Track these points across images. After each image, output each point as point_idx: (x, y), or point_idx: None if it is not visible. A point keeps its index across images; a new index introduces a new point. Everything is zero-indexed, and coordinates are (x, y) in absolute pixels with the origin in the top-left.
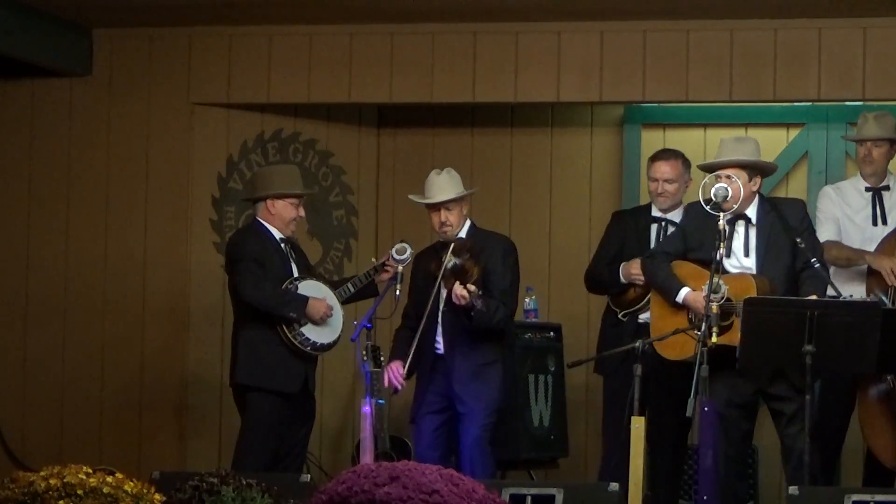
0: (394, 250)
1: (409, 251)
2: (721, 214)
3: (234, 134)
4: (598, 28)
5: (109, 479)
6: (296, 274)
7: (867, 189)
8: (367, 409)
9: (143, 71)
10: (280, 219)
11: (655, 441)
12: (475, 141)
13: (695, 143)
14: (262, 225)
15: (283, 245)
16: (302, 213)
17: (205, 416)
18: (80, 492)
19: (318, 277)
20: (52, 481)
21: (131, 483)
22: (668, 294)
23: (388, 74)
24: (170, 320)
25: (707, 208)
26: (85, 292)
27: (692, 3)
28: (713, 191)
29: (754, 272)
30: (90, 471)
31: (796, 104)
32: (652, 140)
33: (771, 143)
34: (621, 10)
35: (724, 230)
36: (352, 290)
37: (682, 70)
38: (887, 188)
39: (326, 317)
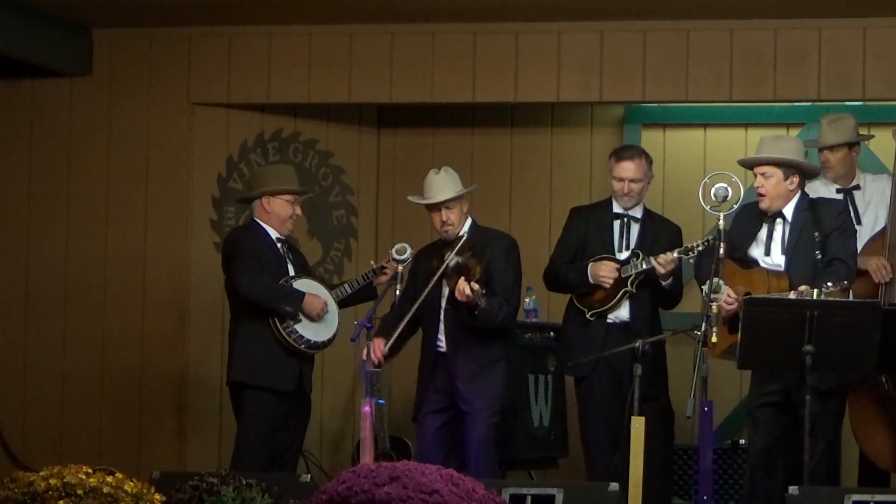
0: (394, 250)
1: (409, 251)
2: (721, 214)
3: (234, 134)
4: (598, 28)
5: (109, 479)
6: (292, 273)
7: (838, 191)
8: (367, 409)
9: (143, 71)
10: (276, 217)
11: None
12: (475, 141)
13: (695, 143)
14: (259, 224)
15: (279, 245)
16: (298, 210)
17: (205, 415)
18: (80, 492)
19: (315, 278)
20: (52, 481)
21: (131, 483)
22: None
23: (388, 74)
24: (170, 320)
25: (707, 208)
26: (85, 292)
27: (692, 3)
28: (713, 191)
29: (782, 269)
30: (90, 471)
31: (796, 104)
32: (652, 140)
33: None
34: (621, 10)
35: (722, 230)
36: (348, 290)
37: (682, 70)
38: (858, 188)
39: (323, 313)
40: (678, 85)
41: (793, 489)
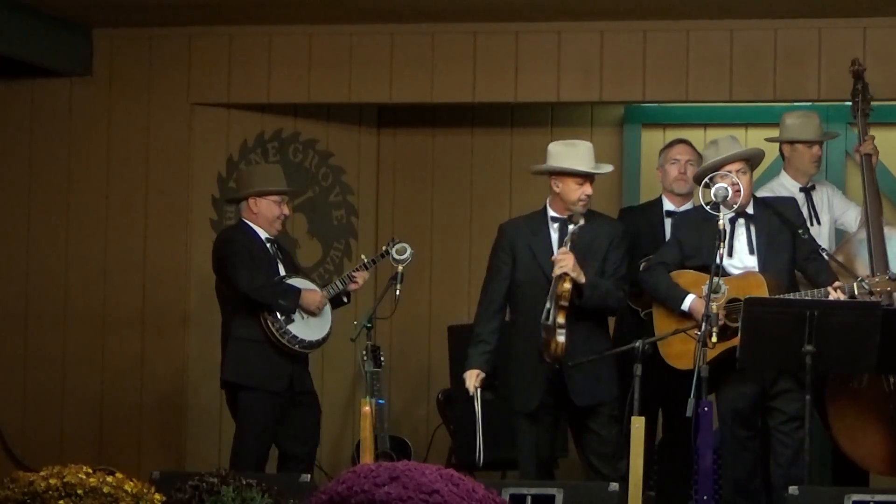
0: (394, 250)
1: (408, 251)
2: (721, 214)
3: (234, 134)
4: (598, 28)
5: (109, 479)
6: (283, 273)
7: (801, 189)
8: (367, 409)
9: (143, 71)
10: (264, 217)
11: (672, 443)
12: (475, 141)
13: (695, 143)
14: (248, 225)
15: (268, 245)
16: (286, 210)
17: (205, 415)
18: (80, 492)
19: (305, 277)
20: (52, 481)
21: (131, 483)
22: (674, 303)
23: (388, 74)
24: (170, 319)
25: (707, 209)
26: (85, 292)
27: (692, 3)
28: (713, 191)
29: (757, 270)
30: (90, 471)
31: (796, 104)
32: (652, 140)
33: (771, 143)
34: (621, 10)
35: (725, 230)
36: (340, 286)
37: (682, 70)
38: (814, 188)
39: (322, 305)
40: (678, 85)
41: (793, 489)
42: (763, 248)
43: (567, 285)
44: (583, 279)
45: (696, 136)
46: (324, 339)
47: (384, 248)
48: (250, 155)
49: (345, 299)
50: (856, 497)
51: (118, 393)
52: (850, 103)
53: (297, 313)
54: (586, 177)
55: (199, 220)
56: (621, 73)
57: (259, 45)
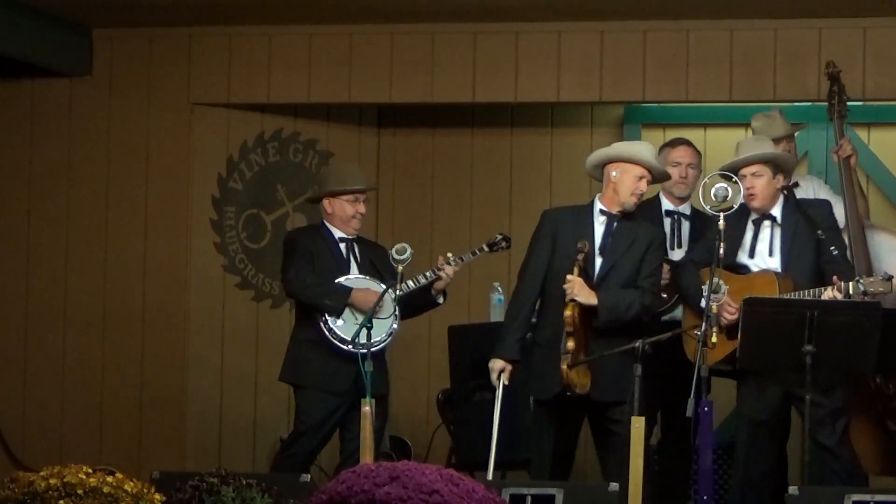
0: (393, 250)
1: (408, 251)
2: (721, 214)
3: (234, 134)
4: (598, 28)
5: (109, 479)
6: (356, 273)
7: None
8: (367, 409)
9: (143, 71)
10: (338, 217)
11: (672, 444)
12: (475, 141)
13: (695, 142)
14: (324, 225)
15: (342, 244)
16: (362, 209)
17: (205, 416)
18: (80, 492)
19: (386, 276)
20: (52, 481)
21: (131, 483)
22: (694, 302)
23: (388, 74)
24: (170, 320)
25: (708, 209)
26: (85, 292)
27: (692, 3)
28: (713, 191)
29: (778, 270)
30: (90, 471)
31: (796, 104)
32: (652, 140)
33: None
34: (621, 10)
35: (723, 230)
36: (412, 285)
37: (682, 70)
38: (797, 185)
39: (377, 307)
40: (678, 85)
41: (793, 489)
42: (785, 252)
43: (568, 311)
44: (593, 301)
45: (696, 136)
46: (380, 341)
47: (489, 243)
48: (250, 155)
49: (439, 300)
50: (856, 497)
51: (118, 393)
52: (850, 102)
53: (350, 314)
54: (648, 172)
55: (199, 220)
56: (621, 73)
57: (259, 45)
